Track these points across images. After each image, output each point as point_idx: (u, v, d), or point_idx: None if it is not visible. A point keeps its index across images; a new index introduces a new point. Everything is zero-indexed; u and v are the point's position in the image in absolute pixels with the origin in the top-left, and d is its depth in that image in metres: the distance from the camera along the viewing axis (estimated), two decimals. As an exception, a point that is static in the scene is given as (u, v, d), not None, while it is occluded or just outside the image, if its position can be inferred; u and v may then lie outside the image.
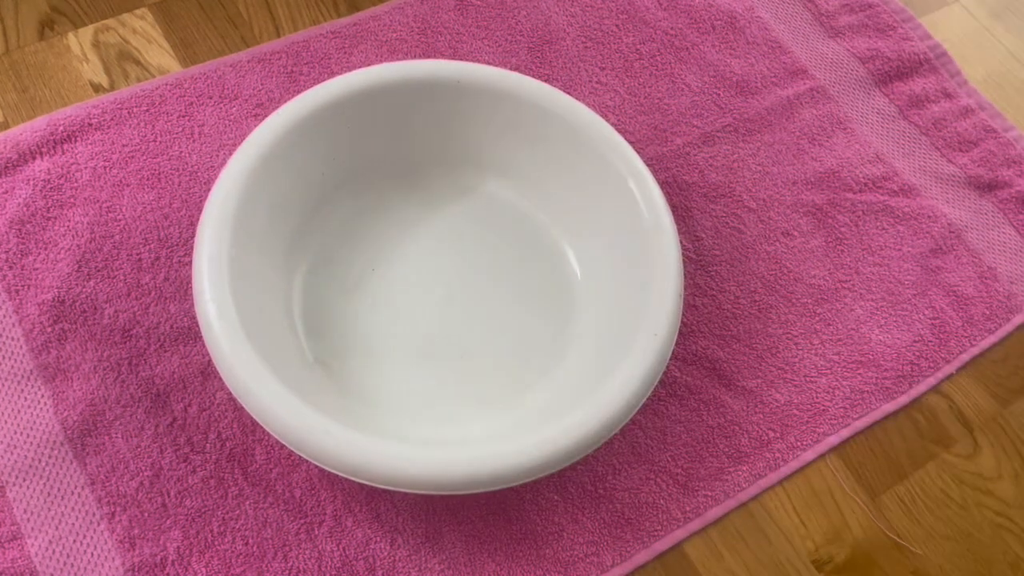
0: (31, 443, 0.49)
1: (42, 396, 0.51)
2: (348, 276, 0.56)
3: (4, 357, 0.52)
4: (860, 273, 0.62)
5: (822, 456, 0.56)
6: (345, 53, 0.66)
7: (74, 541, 0.47)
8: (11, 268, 0.54)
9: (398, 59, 0.66)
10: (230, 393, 0.51)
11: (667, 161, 0.65)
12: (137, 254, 0.56)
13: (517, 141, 0.58)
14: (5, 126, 0.60)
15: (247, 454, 0.51)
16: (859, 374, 0.58)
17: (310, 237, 0.56)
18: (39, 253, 0.55)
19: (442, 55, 0.67)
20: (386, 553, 0.49)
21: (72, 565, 0.47)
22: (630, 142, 0.56)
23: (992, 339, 0.61)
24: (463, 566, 0.49)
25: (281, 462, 0.51)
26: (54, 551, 0.47)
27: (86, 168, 0.58)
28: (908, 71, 0.72)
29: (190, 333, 0.54)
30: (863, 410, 0.57)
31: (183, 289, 0.55)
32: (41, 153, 0.58)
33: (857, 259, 0.63)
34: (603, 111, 0.66)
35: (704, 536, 0.53)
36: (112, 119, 0.60)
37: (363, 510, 0.50)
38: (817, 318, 0.60)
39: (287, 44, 0.65)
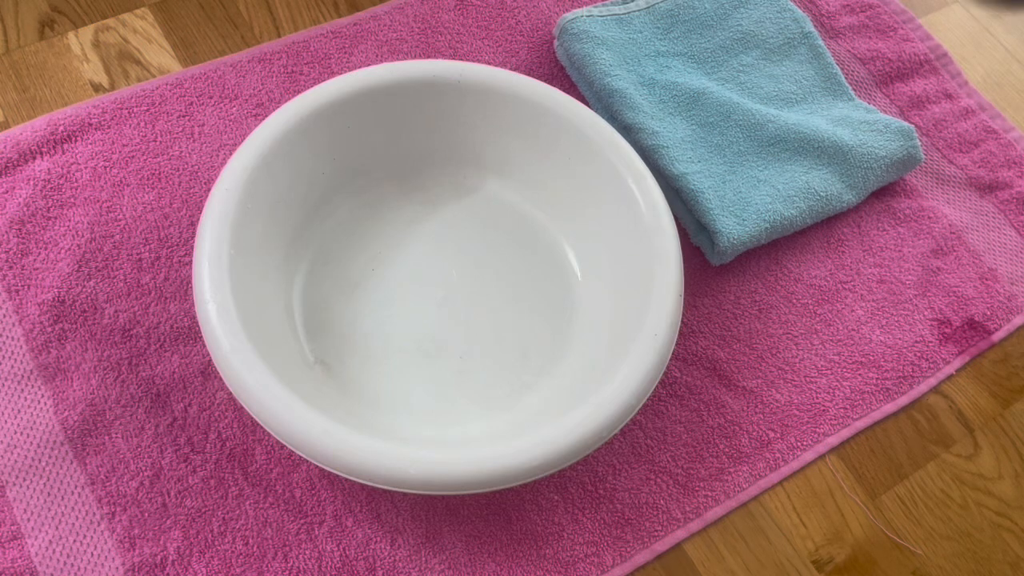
0: (31, 443, 0.49)
1: (42, 396, 0.51)
2: (348, 276, 0.56)
3: (4, 357, 0.51)
4: (861, 274, 0.62)
5: (822, 456, 0.56)
6: (345, 53, 0.66)
7: (74, 541, 0.47)
8: (11, 268, 0.54)
9: (398, 59, 0.66)
10: (230, 393, 0.51)
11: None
12: (137, 254, 0.56)
13: (517, 141, 0.57)
14: (5, 126, 0.60)
15: (247, 454, 0.51)
16: (859, 374, 0.58)
17: (310, 237, 0.56)
18: (39, 253, 0.55)
19: (442, 55, 0.67)
20: (386, 553, 0.49)
21: (72, 565, 0.47)
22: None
23: (992, 340, 0.61)
24: (463, 566, 0.49)
25: (281, 462, 0.51)
26: (54, 551, 0.47)
27: (86, 168, 0.58)
28: (909, 72, 0.72)
29: (190, 333, 0.54)
30: (863, 410, 0.57)
31: (183, 289, 0.55)
32: (41, 153, 0.58)
33: (858, 260, 0.63)
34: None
35: (704, 536, 0.53)
36: (112, 119, 0.60)
37: (363, 510, 0.50)
38: (817, 318, 0.60)
39: (287, 44, 0.65)
